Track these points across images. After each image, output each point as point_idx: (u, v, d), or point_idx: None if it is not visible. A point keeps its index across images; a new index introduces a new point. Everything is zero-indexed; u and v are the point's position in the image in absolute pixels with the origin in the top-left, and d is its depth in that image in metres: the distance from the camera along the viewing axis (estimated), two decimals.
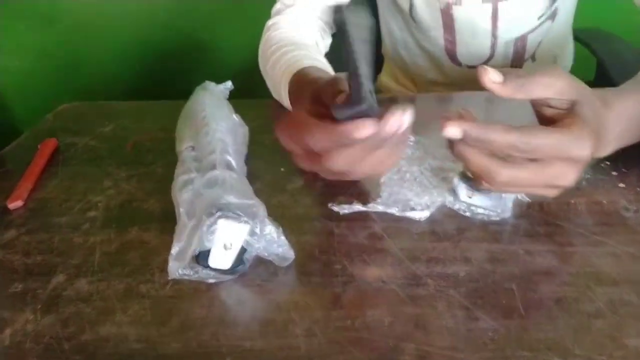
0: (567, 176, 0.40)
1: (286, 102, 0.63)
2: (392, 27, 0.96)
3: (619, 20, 1.33)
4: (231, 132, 0.56)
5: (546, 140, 0.38)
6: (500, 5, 0.78)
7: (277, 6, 0.79)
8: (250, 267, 0.45)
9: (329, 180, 0.48)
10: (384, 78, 1.08)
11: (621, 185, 0.51)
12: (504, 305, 0.39)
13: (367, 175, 0.43)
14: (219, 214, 0.42)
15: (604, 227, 0.46)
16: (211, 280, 0.44)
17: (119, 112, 0.77)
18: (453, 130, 0.38)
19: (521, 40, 0.83)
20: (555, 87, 0.40)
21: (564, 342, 0.36)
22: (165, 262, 0.46)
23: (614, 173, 0.53)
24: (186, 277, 0.43)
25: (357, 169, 0.40)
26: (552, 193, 0.41)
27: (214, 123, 0.55)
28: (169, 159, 0.62)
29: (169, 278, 0.43)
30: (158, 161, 0.63)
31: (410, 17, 0.86)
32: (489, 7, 0.78)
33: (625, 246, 0.44)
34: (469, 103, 0.74)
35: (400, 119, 0.36)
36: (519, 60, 0.87)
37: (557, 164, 0.39)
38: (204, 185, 0.46)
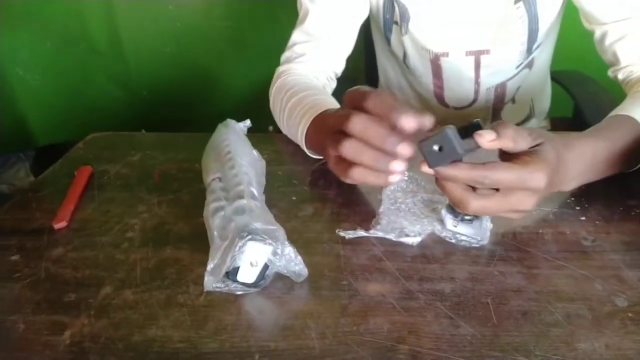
0: (526, 203, 0.50)
1: (301, 141, 0.72)
2: (388, 70, 1.06)
3: (596, 62, 1.45)
4: (252, 165, 0.65)
5: (506, 174, 0.48)
6: (482, 57, 0.88)
7: (287, 54, 0.88)
8: (270, 282, 0.53)
9: (336, 207, 0.58)
10: None
11: (582, 218, 0.61)
12: (480, 316, 0.48)
13: (358, 181, 0.51)
14: (248, 237, 0.50)
15: (565, 253, 0.56)
16: (238, 292, 0.52)
17: (144, 143, 0.86)
18: (425, 169, 0.49)
19: (501, 87, 0.94)
20: (530, 137, 0.50)
21: (527, 345, 0.45)
22: (198, 277, 0.55)
23: (577, 208, 0.63)
24: (218, 290, 0.52)
25: (358, 159, 0.49)
26: (516, 216, 0.52)
27: (239, 158, 0.64)
28: (193, 187, 0.72)
29: (205, 290, 0.52)
30: (184, 189, 0.72)
31: (404, 63, 0.96)
32: (471, 59, 0.89)
33: (582, 270, 0.53)
34: None
35: (421, 121, 0.47)
36: (499, 103, 0.97)
37: (518, 194, 0.49)
38: (233, 212, 0.55)
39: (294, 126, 0.73)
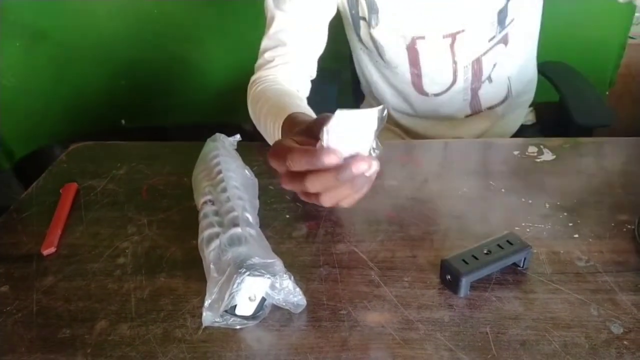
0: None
1: None
2: (363, 65, 1.08)
3: (583, 54, 1.45)
4: (245, 187, 0.64)
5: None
6: (457, 36, 0.89)
7: (259, 61, 0.88)
8: (269, 313, 0.53)
9: (330, 225, 0.58)
10: None
11: (576, 236, 0.61)
12: (480, 346, 0.49)
13: (336, 205, 0.54)
14: (247, 273, 0.50)
15: (560, 275, 0.56)
16: (237, 327, 0.52)
17: (129, 154, 0.84)
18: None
19: (477, 63, 0.95)
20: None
21: None
22: (194, 308, 0.54)
23: (570, 224, 0.63)
24: (216, 324, 0.51)
25: (329, 195, 0.52)
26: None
27: (231, 180, 0.63)
28: (183, 205, 0.71)
29: (204, 326, 0.51)
30: (173, 207, 0.71)
31: (378, 56, 0.96)
32: (448, 40, 0.90)
33: (578, 294, 0.54)
34: (429, 150, 0.84)
35: (367, 166, 0.48)
36: (477, 82, 0.98)
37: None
38: (228, 242, 0.54)
39: (271, 136, 0.73)
